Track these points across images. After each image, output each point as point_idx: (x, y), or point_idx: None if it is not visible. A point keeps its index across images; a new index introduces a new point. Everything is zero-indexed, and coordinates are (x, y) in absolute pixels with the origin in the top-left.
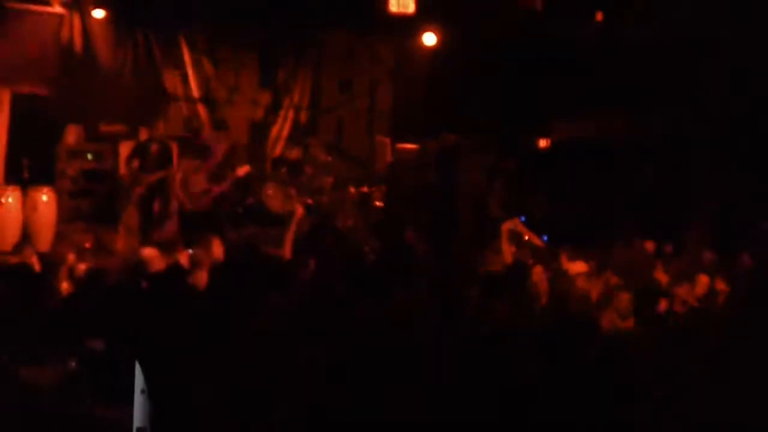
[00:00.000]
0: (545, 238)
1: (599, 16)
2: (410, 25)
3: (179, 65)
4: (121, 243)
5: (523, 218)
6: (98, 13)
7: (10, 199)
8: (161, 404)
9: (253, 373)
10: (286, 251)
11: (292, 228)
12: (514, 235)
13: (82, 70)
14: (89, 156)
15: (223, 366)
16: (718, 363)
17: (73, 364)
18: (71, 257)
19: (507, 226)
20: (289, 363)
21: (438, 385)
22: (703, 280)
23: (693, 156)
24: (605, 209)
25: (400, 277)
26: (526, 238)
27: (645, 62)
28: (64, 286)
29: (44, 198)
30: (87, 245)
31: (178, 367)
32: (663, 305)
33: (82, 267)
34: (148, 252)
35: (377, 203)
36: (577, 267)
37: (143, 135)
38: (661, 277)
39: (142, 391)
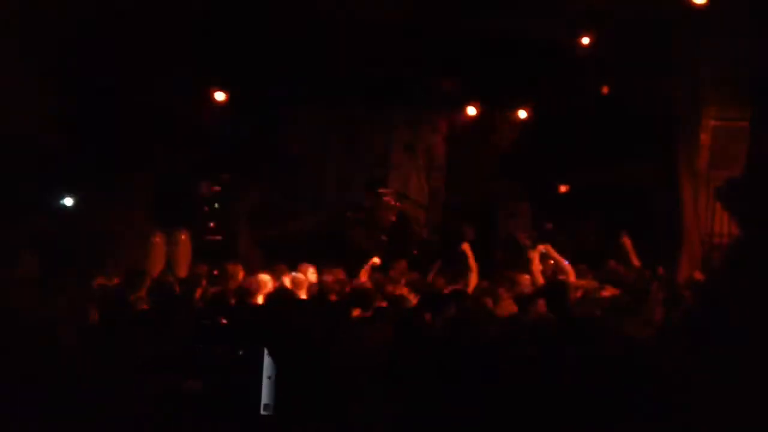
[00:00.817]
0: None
1: (605, 90)
2: (458, 100)
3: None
4: (241, 271)
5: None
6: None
7: (157, 239)
8: (282, 387)
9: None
10: (362, 278)
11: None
12: (544, 257)
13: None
14: (216, 205)
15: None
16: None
17: (241, 352)
18: (203, 282)
19: (539, 249)
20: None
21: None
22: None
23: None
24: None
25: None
26: (551, 262)
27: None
28: (198, 304)
29: (183, 237)
30: (215, 272)
31: (293, 361)
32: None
33: (212, 289)
34: (263, 276)
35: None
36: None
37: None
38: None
39: (269, 377)
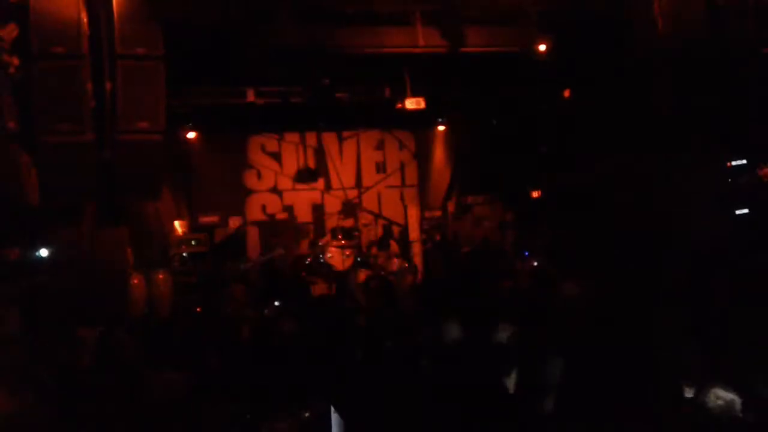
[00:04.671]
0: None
1: (567, 93)
2: (424, 118)
3: (254, 165)
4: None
5: (527, 252)
6: (190, 135)
7: (136, 281)
8: None
9: None
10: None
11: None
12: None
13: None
14: (193, 242)
15: None
16: None
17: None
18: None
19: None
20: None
21: None
22: None
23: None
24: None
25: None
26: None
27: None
28: None
29: (161, 277)
30: (198, 310)
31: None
32: None
33: None
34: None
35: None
36: None
37: (233, 223)
38: None
39: None
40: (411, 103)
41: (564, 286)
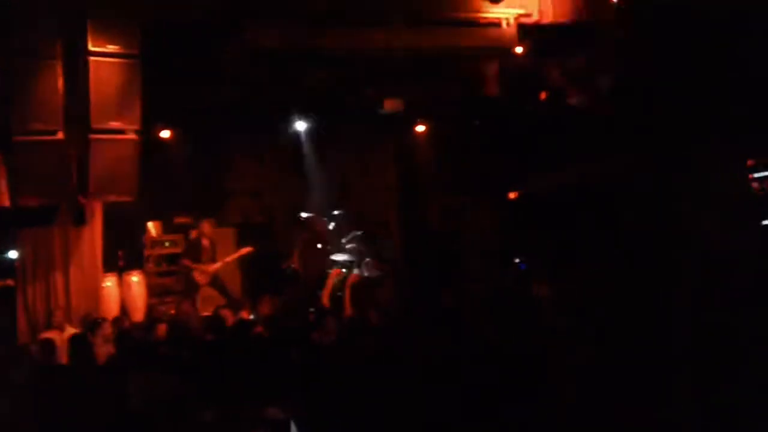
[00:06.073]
0: (522, 266)
1: (543, 95)
2: (406, 119)
3: (233, 167)
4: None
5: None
6: (164, 134)
7: (109, 283)
8: None
9: None
10: (325, 301)
11: (329, 285)
12: None
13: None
14: (167, 244)
15: None
16: None
17: None
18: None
19: None
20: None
21: None
22: None
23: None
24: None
25: None
26: None
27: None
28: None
29: (135, 279)
30: (172, 312)
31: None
32: None
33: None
34: (224, 312)
35: None
36: None
37: (205, 225)
38: None
39: None
40: (390, 105)
41: (536, 287)
